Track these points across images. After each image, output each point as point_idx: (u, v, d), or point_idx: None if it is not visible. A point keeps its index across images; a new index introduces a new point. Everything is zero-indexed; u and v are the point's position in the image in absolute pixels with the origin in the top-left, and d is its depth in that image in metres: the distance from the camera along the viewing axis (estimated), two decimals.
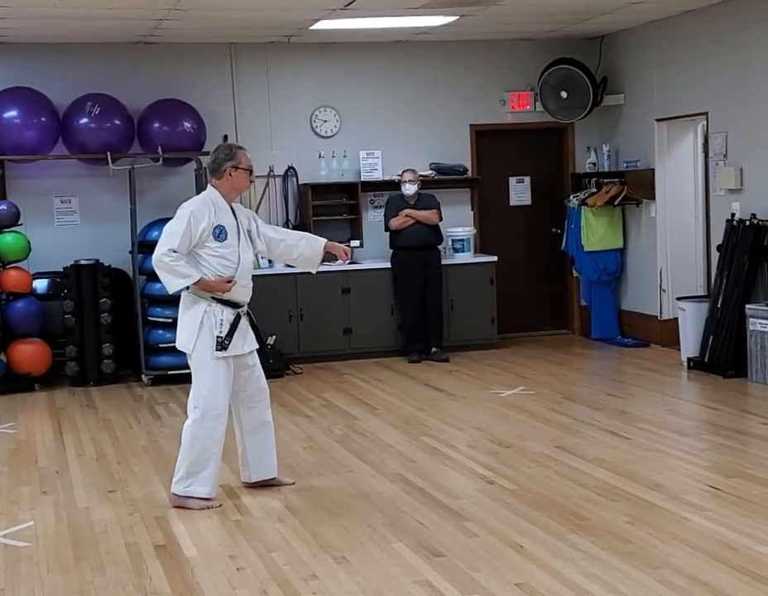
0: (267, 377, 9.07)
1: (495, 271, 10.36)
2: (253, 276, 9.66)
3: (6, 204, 9.27)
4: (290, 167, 10.34)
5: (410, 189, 9.90)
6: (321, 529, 5.21)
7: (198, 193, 9.55)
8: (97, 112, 9.45)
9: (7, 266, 9.19)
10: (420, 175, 10.07)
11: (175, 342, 9.05)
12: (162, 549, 5.03)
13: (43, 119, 9.46)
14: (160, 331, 9.34)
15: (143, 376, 9.28)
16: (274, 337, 9.57)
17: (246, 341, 5.72)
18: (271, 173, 10.30)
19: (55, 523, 5.49)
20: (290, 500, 5.72)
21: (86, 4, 7.91)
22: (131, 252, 9.44)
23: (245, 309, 5.77)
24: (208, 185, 5.79)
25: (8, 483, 6.34)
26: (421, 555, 4.77)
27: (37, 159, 9.55)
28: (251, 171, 5.78)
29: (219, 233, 5.63)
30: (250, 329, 5.77)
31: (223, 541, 5.11)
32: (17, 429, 7.81)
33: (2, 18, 8.25)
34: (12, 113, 9.38)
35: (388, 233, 10.04)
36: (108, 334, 9.38)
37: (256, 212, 10.07)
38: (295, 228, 10.29)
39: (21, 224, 9.29)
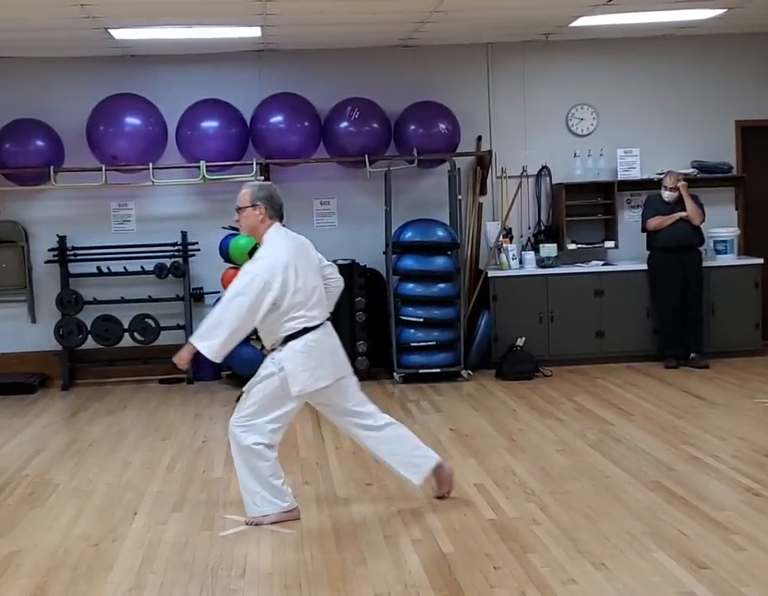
0: (516, 379, 9.21)
1: (761, 274, 9.88)
2: (504, 276, 9.74)
3: None
4: (544, 167, 10.23)
5: (669, 196, 9.58)
6: (578, 534, 5.09)
7: (450, 195, 9.67)
8: (356, 116, 9.69)
9: None
10: (682, 174, 9.70)
11: (424, 342, 9.40)
12: (419, 543, 5.06)
13: (306, 124, 9.78)
14: (412, 330, 9.47)
15: (395, 373, 9.42)
16: (523, 338, 9.51)
17: None
18: (524, 173, 10.23)
19: (317, 512, 5.64)
20: (545, 503, 5.63)
21: (351, 9, 8.11)
22: (385, 253, 9.61)
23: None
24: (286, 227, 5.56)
25: None
26: (685, 566, 4.58)
27: (299, 162, 9.88)
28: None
29: None
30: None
31: (479, 540, 5.08)
32: None
33: (272, 26, 8.59)
34: (277, 118, 9.73)
35: (645, 233, 9.75)
36: (362, 331, 9.58)
37: (508, 214, 10.10)
38: (547, 228, 10.22)
39: (284, 225, 9.59)
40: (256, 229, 5.42)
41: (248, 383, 5.43)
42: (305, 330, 5.31)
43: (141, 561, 4.96)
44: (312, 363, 5.30)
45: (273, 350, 5.36)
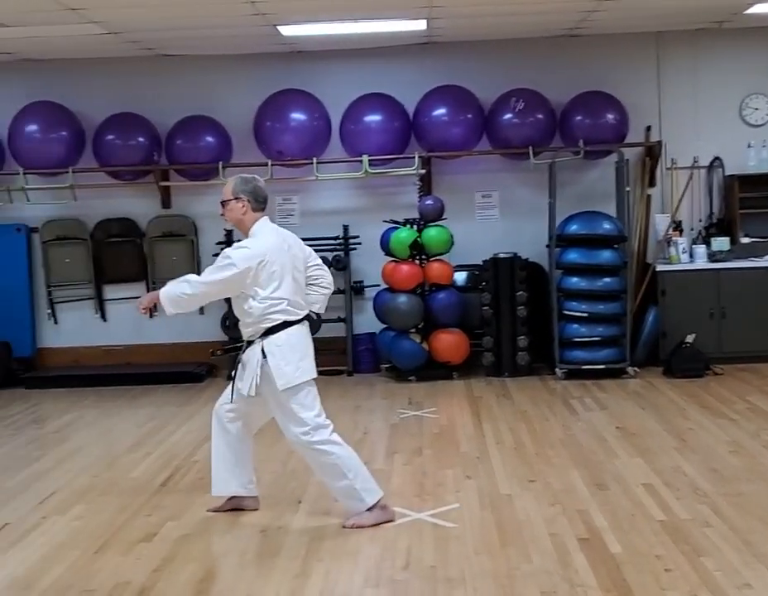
0: (686, 377, 8.93)
1: None
2: (673, 270, 9.46)
3: (432, 199, 9.61)
4: (716, 158, 9.90)
5: None
6: (753, 537, 4.89)
7: (618, 187, 9.46)
8: (521, 107, 9.58)
9: (431, 259, 9.53)
10: None
11: (588, 337, 9.20)
12: (586, 542, 4.94)
13: (469, 116, 9.72)
14: (575, 325, 9.31)
15: (557, 369, 9.28)
16: (693, 335, 9.22)
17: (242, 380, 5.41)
18: (695, 164, 9.92)
19: (480, 507, 5.58)
20: (717, 505, 5.43)
21: (518, 0, 8.02)
22: (548, 246, 9.47)
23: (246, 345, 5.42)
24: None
25: (433, 465, 6.55)
26: None
27: (461, 155, 9.84)
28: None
29: None
30: (248, 369, 5.36)
31: (648, 540, 4.93)
32: (439, 414, 8.08)
33: (438, 18, 8.57)
34: (440, 111, 9.71)
35: None
36: (523, 326, 9.47)
37: (678, 206, 9.80)
38: (719, 221, 9.89)
39: (445, 219, 9.59)
40: (240, 222, 5.38)
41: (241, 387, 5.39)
42: (285, 324, 5.28)
43: (307, 549, 5.01)
44: (295, 356, 5.29)
45: (251, 342, 5.33)
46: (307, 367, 5.36)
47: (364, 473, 5.37)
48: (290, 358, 5.28)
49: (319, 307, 5.66)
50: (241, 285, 5.25)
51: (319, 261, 5.64)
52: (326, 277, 5.64)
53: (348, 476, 5.29)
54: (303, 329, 5.41)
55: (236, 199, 5.36)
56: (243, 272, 5.20)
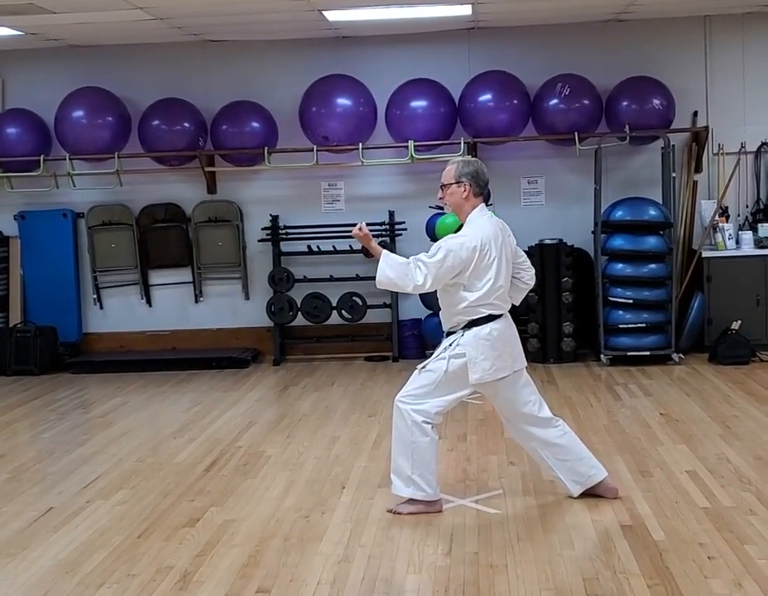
0: (731, 363, 8.85)
1: None
2: (719, 256, 9.41)
3: None
4: (764, 143, 9.79)
5: None
6: None
7: (664, 173, 9.37)
8: (567, 93, 9.51)
9: None
10: None
11: (633, 323, 9.12)
12: (629, 529, 4.92)
13: (515, 102, 9.67)
14: (620, 312, 9.28)
15: (602, 355, 9.24)
16: (739, 322, 9.16)
17: None
18: (743, 149, 9.80)
19: (523, 494, 5.59)
20: (762, 492, 5.38)
21: None
22: (593, 232, 9.42)
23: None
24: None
25: (477, 451, 6.56)
26: None
27: (507, 141, 9.79)
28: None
29: None
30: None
31: (692, 528, 4.90)
32: (483, 400, 8.00)
33: (483, 3, 8.53)
34: (486, 97, 9.66)
35: None
36: (568, 312, 9.45)
37: (725, 192, 9.69)
38: (766, 207, 9.76)
39: (491, 204, 9.53)
40: (460, 207, 5.30)
41: (424, 362, 5.35)
42: (490, 318, 5.18)
43: (350, 534, 5.03)
44: (494, 353, 5.16)
45: (451, 333, 5.28)
46: (502, 366, 5.21)
47: (426, 470, 5.25)
48: (489, 353, 5.16)
49: (515, 300, 5.47)
50: (455, 272, 5.11)
51: (524, 254, 5.48)
52: (529, 271, 5.45)
53: (409, 460, 5.24)
54: (506, 324, 5.28)
55: (457, 183, 5.25)
56: (464, 260, 5.08)
